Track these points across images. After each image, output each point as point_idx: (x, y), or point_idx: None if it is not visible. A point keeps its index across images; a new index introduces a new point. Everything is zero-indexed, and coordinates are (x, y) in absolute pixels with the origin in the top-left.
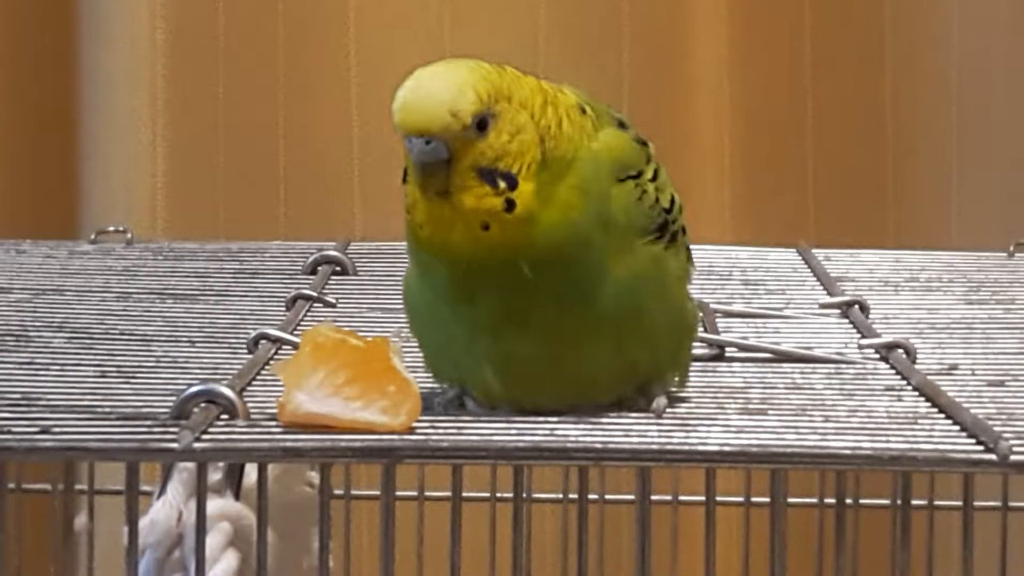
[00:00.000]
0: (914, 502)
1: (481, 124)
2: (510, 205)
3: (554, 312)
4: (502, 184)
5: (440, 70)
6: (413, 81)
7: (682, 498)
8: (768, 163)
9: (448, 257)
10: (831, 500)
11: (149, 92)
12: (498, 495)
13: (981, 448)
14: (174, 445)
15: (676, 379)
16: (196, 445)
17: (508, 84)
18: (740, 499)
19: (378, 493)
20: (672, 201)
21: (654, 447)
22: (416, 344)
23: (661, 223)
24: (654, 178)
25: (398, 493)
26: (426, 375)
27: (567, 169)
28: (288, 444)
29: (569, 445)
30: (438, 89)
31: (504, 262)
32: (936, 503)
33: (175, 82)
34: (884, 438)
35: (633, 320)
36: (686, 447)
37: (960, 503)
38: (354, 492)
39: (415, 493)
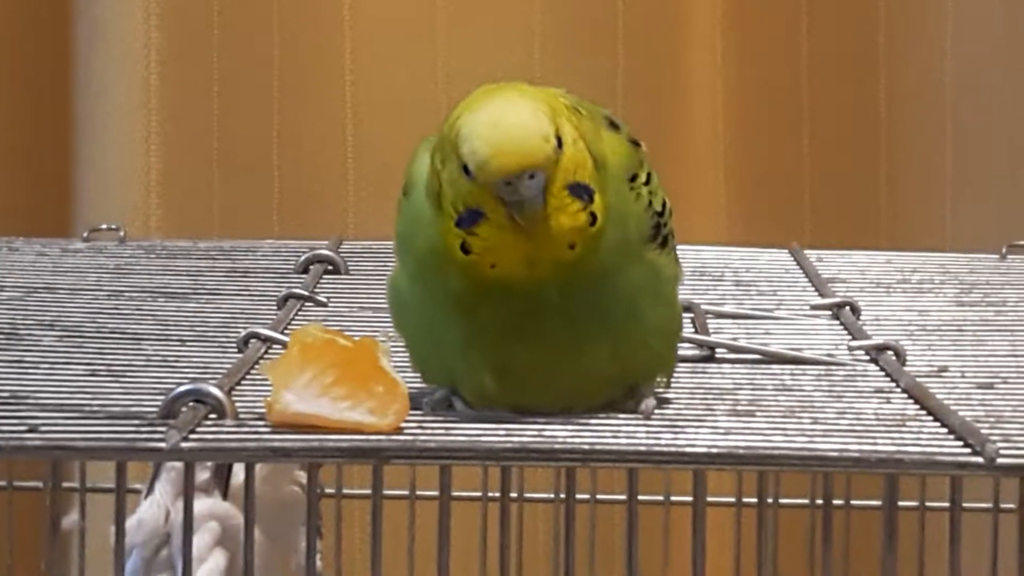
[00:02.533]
0: (905, 503)
1: (559, 140)
2: (593, 219)
3: (559, 322)
4: (585, 197)
5: (500, 102)
6: (486, 125)
7: (673, 498)
8: (763, 164)
9: (507, 286)
10: (821, 501)
11: (143, 90)
12: (489, 495)
13: (968, 451)
14: (161, 445)
15: (663, 380)
16: (183, 445)
17: (543, 95)
18: (731, 499)
19: (369, 492)
20: (663, 204)
21: (641, 448)
22: (403, 344)
23: (654, 226)
24: (647, 181)
25: (389, 492)
26: (414, 375)
27: (604, 176)
28: (276, 444)
29: (557, 446)
30: (520, 121)
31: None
32: (927, 504)
33: (169, 80)
34: (872, 440)
35: (631, 326)
36: (673, 448)
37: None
38: (345, 491)
39: (406, 492)
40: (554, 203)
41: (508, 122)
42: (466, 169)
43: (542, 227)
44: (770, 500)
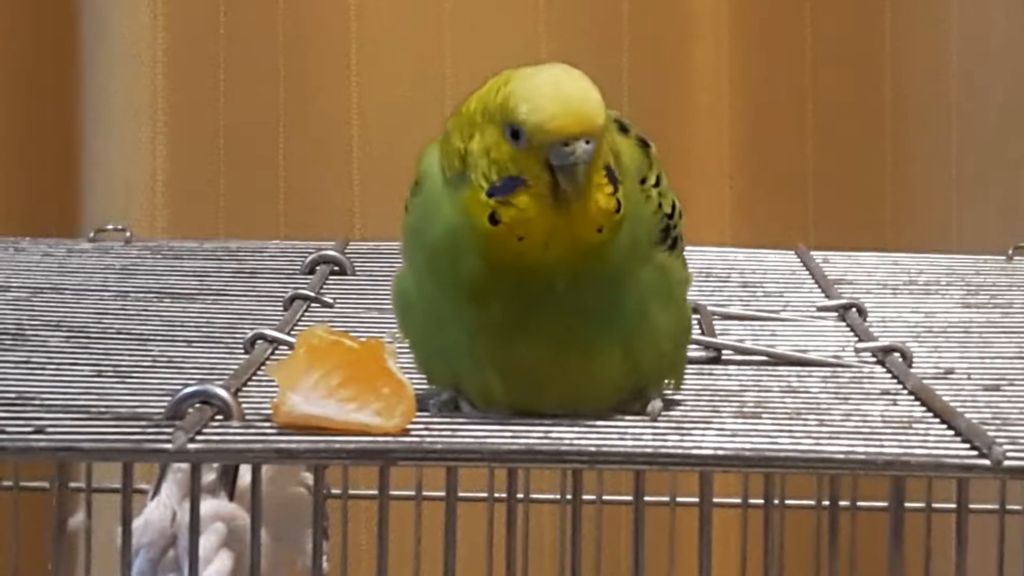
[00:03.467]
0: (911, 505)
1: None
2: (618, 205)
3: (568, 319)
4: (615, 182)
5: (556, 70)
6: (548, 86)
7: (679, 499)
8: (768, 165)
9: (533, 268)
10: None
11: (149, 90)
12: (495, 495)
13: (975, 453)
14: (168, 446)
15: (672, 382)
16: (190, 446)
17: None
18: (737, 500)
19: (375, 493)
20: (673, 206)
21: (648, 450)
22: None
23: (664, 229)
24: (657, 183)
25: (396, 493)
26: (420, 377)
27: (620, 172)
28: (282, 446)
29: (563, 448)
30: (582, 86)
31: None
32: (934, 505)
33: (175, 80)
34: (878, 442)
35: (641, 328)
36: (680, 451)
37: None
38: (352, 492)
39: (412, 493)
40: (595, 179)
41: (572, 86)
42: (515, 134)
43: (579, 202)
44: (775, 501)
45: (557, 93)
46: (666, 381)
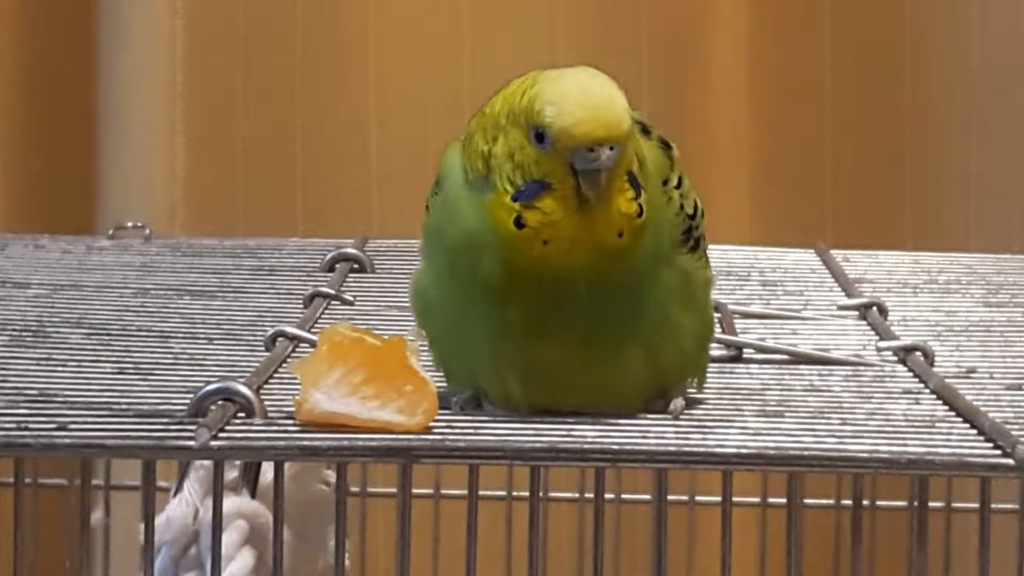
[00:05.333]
0: (932, 504)
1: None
2: (640, 210)
3: (589, 322)
4: (637, 188)
5: (583, 75)
6: (576, 91)
7: (699, 498)
8: (787, 163)
9: (554, 272)
10: (848, 501)
11: (168, 88)
12: (515, 493)
13: (999, 452)
14: (191, 443)
15: (695, 381)
16: (213, 443)
17: None
18: (757, 499)
19: (394, 491)
20: (695, 207)
21: (671, 449)
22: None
23: (686, 230)
24: (679, 185)
25: (414, 491)
26: (441, 375)
27: (644, 176)
28: (305, 443)
29: (586, 446)
30: (609, 92)
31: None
32: (954, 505)
33: (194, 78)
34: (901, 442)
35: (663, 330)
36: (703, 449)
37: (978, 505)
38: (370, 489)
39: (431, 491)
40: (616, 184)
41: (598, 91)
42: (540, 137)
43: (601, 206)
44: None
45: (584, 98)
46: (689, 380)
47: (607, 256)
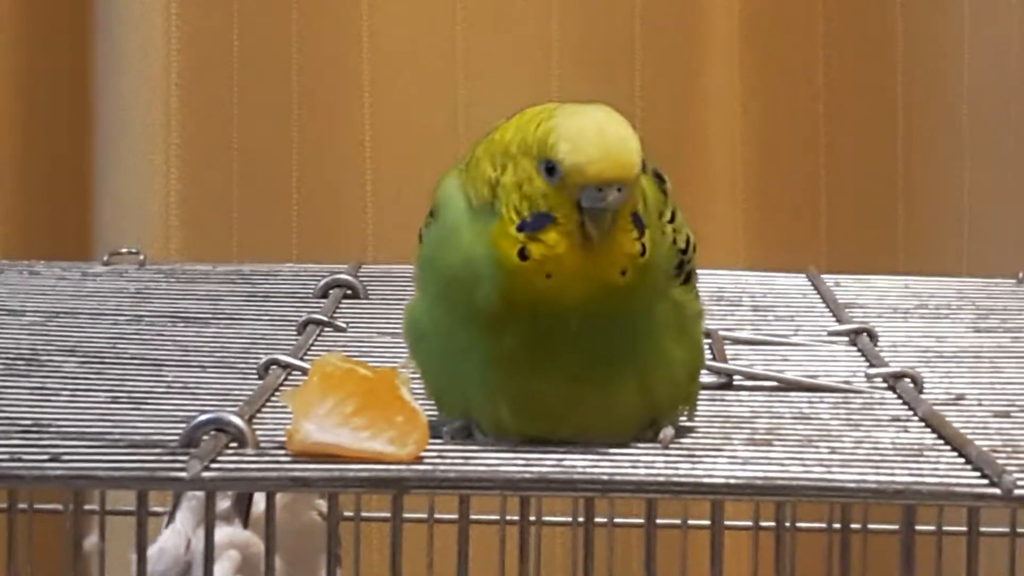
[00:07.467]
0: (922, 528)
1: None
2: (643, 249)
3: (583, 354)
4: (640, 227)
5: (600, 113)
6: (593, 129)
7: (691, 522)
8: (780, 188)
9: (551, 305)
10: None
11: (163, 114)
12: (507, 518)
13: (986, 482)
14: (183, 474)
15: (686, 410)
16: (205, 474)
17: None
18: (748, 523)
19: (388, 515)
20: (688, 242)
21: (660, 479)
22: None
23: (678, 264)
24: (672, 219)
25: (408, 516)
26: (433, 405)
27: (646, 214)
28: (296, 474)
29: (576, 476)
30: (625, 134)
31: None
32: (944, 528)
33: (189, 103)
34: (889, 471)
35: (658, 361)
36: (692, 479)
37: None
38: (364, 514)
39: (425, 516)
40: (620, 224)
41: (613, 132)
42: (550, 170)
43: (604, 244)
44: (787, 524)
45: (599, 138)
46: (680, 409)
47: (608, 293)
